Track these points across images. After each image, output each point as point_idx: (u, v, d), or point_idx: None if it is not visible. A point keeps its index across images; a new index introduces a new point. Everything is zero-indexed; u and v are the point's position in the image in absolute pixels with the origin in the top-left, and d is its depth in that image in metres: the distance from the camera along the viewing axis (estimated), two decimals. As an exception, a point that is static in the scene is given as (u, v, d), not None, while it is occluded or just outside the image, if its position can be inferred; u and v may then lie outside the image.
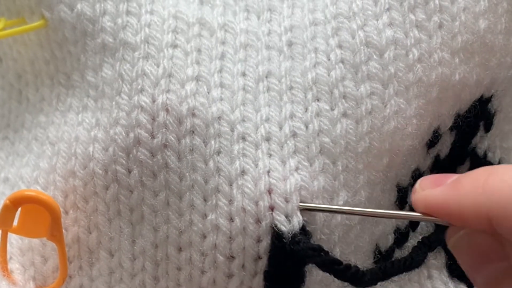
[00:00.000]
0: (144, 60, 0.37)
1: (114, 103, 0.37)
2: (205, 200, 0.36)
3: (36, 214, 0.37)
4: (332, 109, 0.36)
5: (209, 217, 0.36)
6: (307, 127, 0.36)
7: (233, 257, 0.35)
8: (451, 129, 0.40)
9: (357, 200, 0.36)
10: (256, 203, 0.35)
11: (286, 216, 0.34)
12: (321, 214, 0.35)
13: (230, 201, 0.35)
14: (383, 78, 0.36)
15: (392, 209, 0.40)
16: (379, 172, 0.37)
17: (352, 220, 0.37)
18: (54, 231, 0.37)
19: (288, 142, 0.36)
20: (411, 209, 0.40)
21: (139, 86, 0.36)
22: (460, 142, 0.40)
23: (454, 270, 0.41)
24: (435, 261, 0.41)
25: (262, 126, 0.36)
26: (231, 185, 0.35)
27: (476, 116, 0.40)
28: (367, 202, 0.37)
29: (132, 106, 0.36)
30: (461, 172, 0.41)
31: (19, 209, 0.37)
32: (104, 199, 0.38)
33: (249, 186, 0.35)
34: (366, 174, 0.36)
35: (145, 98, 0.36)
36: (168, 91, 0.36)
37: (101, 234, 0.38)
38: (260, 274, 0.35)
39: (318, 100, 0.36)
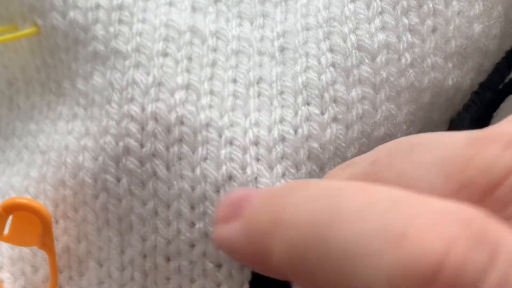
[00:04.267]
0: (135, 68, 0.37)
1: (104, 111, 0.37)
2: (192, 208, 0.35)
3: (27, 223, 0.37)
4: (323, 113, 0.36)
5: (197, 226, 0.35)
6: (296, 131, 0.35)
7: (220, 265, 0.35)
8: None
9: None
10: None
11: None
12: None
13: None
14: (375, 83, 0.36)
15: None
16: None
17: None
18: (45, 239, 0.37)
19: (276, 146, 0.35)
20: None
21: (129, 95, 0.36)
22: None
23: None
24: None
25: (250, 130, 0.36)
26: (218, 191, 0.35)
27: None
28: None
29: (122, 115, 0.36)
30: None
31: (10, 217, 0.37)
32: (93, 208, 0.37)
33: None
34: None
35: (134, 108, 0.36)
36: (157, 100, 0.36)
37: (90, 244, 0.38)
38: (247, 285, 0.35)
39: (308, 104, 0.36)
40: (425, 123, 0.38)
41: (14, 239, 0.37)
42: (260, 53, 0.38)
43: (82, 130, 0.38)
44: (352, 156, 0.35)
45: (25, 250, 0.39)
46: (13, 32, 0.39)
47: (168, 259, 0.36)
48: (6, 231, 0.37)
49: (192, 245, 0.35)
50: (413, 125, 0.37)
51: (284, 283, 0.34)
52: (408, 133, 0.37)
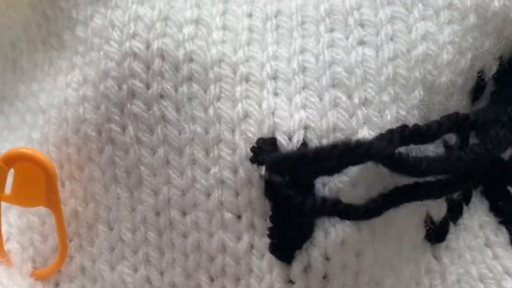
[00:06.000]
0: (139, 4, 0.33)
1: (102, 53, 0.33)
2: (206, 152, 0.32)
3: (30, 179, 0.33)
4: (347, 38, 0.32)
5: (212, 171, 0.31)
6: (317, 59, 0.32)
7: (240, 215, 0.31)
8: (494, 79, 0.35)
9: None
10: None
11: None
12: None
13: (233, 150, 0.31)
14: (406, 2, 0.32)
15: None
16: (413, 109, 0.32)
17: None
18: (50, 195, 0.33)
19: (296, 77, 0.31)
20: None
21: (131, 31, 0.33)
22: (501, 97, 0.35)
23: None
24: (497, 238, 0.35)
25: (268, 64, 0.32)
26: (233, 131, 0.31)
27: None
28: None
29: (124, 53, 0.32)
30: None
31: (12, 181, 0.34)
32: (99, 164, 0.34)
33: (253, 130, 0.31)
34: (395, 109, 0.31)
35: (138, 44, 0.32)
36: (164, 35, 0.32)
37: (98, 205, 0.34)
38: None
39: (331, 31, 0.32)
40: (477, 54, 0.33)
41: (18, 198, 0.34)
42: None
43: (80, 79, 0.34)
44: (387, 79, 0.31)
45: (33, 219, 0.36)
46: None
47: (183, 213, 0.32)
48: (8, 191, 0.34)
49: (208, 194, 0.32)
50: (461, 48, 0.32)
51: (304, 231, 0.31)
52: (457, 59, 0.32)
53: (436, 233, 0.34)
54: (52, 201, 0.34)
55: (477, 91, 0.34)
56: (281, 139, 0.30)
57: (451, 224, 0.35)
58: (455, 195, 0.34)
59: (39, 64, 0.37)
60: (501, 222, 0.35)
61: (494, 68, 0.34)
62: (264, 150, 0.30)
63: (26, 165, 0.33)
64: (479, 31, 0.33)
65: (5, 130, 0.38)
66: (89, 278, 0.35)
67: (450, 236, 0.34)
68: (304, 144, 0.30)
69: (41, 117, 0.36)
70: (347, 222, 0.30)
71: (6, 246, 0.36)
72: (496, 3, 0.33)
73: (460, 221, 0.35)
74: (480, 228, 0.35)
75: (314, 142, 0.30)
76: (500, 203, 0.35)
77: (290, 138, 0.30)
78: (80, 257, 0.35)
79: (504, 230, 0.35)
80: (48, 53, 0.37)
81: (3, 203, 0.34)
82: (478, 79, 0.34)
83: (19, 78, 0.38)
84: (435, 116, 0.32)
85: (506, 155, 0.36)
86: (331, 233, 0.30)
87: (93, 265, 0.35)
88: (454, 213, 0.35)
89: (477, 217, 0.35)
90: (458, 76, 0.33)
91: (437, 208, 0.34)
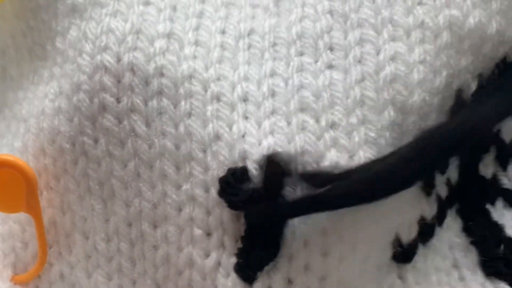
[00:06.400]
0: (112, 16, 0.33)
1: (75, 65, 0.34)
2: (177, 168, 0.32)
3: (11, 185, 0.34)
4: (316, 62, 0.32)
5: (183, 187, 0.32)
6: (286, 83, 0.32)
7: (210, 233, 0.32)
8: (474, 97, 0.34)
9: (356, 162, 0.31)
10: None
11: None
12: None
13: (205, 169, 0.31)
14: (376, 24, 0.32)
15: None
16: (383, 131, 0.32)
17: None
18: (31, 200, 0.34)
19: (265, 102, 0.32)
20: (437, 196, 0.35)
21: (103, 43, 0.33)
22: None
23: (490, 267, 0.34)
24: (466, 259, 0.35)
25: (239, 85, 0.32)
26: (204, 151, 0.31)
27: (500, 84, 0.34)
28: None
29: (95, 67, 0.33)
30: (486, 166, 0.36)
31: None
32: (74, 175, 0.34)
33: (224, 153, 0.31)
34: (363, 131, 0.31)
35: (109, 58, 0.33)
36: (135, 49, 0.33)
37: (74, 215, 0.35)
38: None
39: (301, 55, 0.32)
40: (453, 72, 0.33)
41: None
42: (253, 5, 0.35)
43: (57, 90, 0.35)
44: (355, 102, 0.31)
45: (15, 226, 0.37)
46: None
47: (154, 226, 0.33)
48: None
49: (179, 209, 0.32)
50: (434, 67, 0.32)
51: (268, 253, 0.31)
52: (430, 78, 0.32)
53: (404, 254, 0.34)
54: (32, 207, 0.34)
55: (456, 109, 0.34)
56: (252, 169, 0.30)
57: (421, 245, 0.34)
58: (428, 217, 0.34)
59: (25, 73, 0.38)
60: (472, 243, 0.35)
61: (473, 86, 0.34)
62: (232, 186, 0.30)
63: (7, 171, 0.34)
64: (454, 49, 0.33)
65: None
66: (67, 284, 0.36)
67: (418, 257, 0.34)
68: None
69: (23, 125, 0.37)
70: (313, 246, 0.31)
71: (-12, 252, 0.37)
72: (471, 20, 0.32)
73: (431, 242, 0.34)
74: (449, 249, 0.35)
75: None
76: (470, 223, 0.35)
77: (260, 166, 0.30)
78: (59, 264, 0.36)
79: (473, 251, 0.35)
80: (33, 62, 0.37)
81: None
82: (456, 98, 0.34)
83: (8, 85, 0.39)
84: (409, 137, 0.32)
85: (488, 173, 0.36)
86: (295, 257, 0.31)
87: (71, 271, 0.36)
88: (425, 234, 0.34)
89: (448, 238, 0.35)
90: (434, 95, 0.32)
91: (407, 229, 0.34)
